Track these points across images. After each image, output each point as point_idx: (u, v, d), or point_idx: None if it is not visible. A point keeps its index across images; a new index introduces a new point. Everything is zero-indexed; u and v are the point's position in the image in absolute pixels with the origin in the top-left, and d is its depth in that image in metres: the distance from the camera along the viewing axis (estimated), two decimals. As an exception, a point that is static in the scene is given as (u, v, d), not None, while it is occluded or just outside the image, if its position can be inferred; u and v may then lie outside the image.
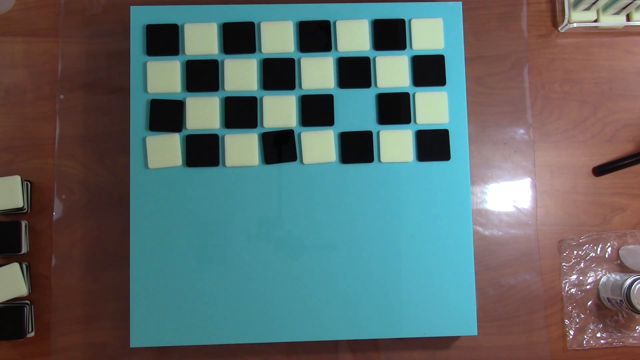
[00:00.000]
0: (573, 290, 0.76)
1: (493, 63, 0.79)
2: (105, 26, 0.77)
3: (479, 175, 0.77)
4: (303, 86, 0.73)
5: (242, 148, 0.72)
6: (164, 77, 0.73)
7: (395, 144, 0.73)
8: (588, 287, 0.76)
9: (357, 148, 0.73)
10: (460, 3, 0.75)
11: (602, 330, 0.75)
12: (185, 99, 0.73)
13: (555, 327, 0.75)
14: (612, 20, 0.79)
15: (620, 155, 0.79)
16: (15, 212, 0.73)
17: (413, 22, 0.75)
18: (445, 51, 0.75)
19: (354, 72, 0.74)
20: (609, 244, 0.77)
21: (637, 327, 0.76)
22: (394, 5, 0.75)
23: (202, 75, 0.73)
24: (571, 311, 0.76)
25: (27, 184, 0.74)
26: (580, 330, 0.75)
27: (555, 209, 0.78)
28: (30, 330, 0.72)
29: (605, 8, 0.78)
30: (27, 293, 0.72)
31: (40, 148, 0.76)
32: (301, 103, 0.73)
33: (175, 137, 0.72)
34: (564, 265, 0.76)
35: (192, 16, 0.74)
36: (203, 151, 0.72)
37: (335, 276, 0.71)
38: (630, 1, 0.75)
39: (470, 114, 0.76)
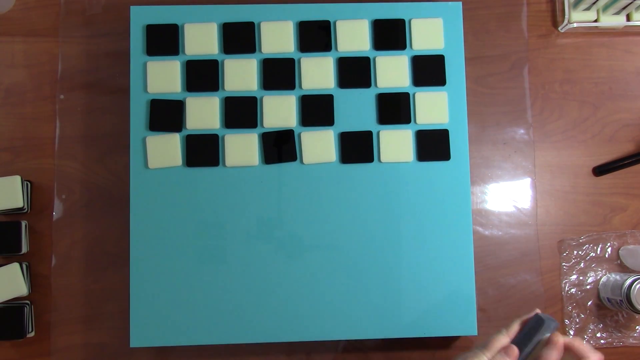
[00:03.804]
0: (573, 290, 0.76)
1: (493, 63, 0.79)
2: (105, 26, 0.77)
3: (479, 175, 0.77)
4: (303, 86, 0.73)
5: (242, 148, 0.72)
6: (164, 77, 0.73)
7: (395, 144, 0.73)
8: (588, 287, 0.76)
9: (357, 148, 0.73)
10: (460, 3, 0.75)
11: (602, 330, 0.75)
12: (185, 99, 0.73)
13: (555, 327, 0.76)
14: (612, 20, 0.79)
15: (620, 155, 0.79)
16: (15, 212, 0.73)
17: (413, 22, 0.75)
18: (445, 51, 0.75)
19: (354, 72, 0.74)
20: (609, 244, 0.77)
21: (637, 327, 0.76)
22: (394, 5, 0.75)
23: (202, 75, 0.73)
24: (571, 311, 0.76)
25: (27, 184, 0.74)
26: (580, 330, 0.75)
27: (555, 209, 0.78)
28: (30, 330, 0.72)
29: (605, 8, 0.78)
30: (27, 293, 0.72)
31: (40, 148, 0.76)
32: (301, 103, 0.73)
33: (175, 137, 0.72)
34: (564, 265, 0.76)
35: (192, 16, 0.74)
36: (203, 151, 0.72)
37: (335, 276, 0.71)
38: (630, 1, 0.75)
39: (470, 114, 0.76)
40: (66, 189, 0.75)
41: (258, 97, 0.73)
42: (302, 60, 0.74)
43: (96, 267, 0.74)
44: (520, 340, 0.58)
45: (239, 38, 0.74)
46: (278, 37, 0.74)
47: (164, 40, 0.73)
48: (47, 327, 0.73)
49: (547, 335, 0.58)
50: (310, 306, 0.71)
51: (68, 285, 0.74)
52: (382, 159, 0.73)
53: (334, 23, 0.74)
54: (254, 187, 0.72)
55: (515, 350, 0.56)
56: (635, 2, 0.75)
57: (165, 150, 0.72)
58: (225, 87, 0.73)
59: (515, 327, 0.59)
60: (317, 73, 0.74)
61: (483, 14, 0.79)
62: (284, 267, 0.71)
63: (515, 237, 0.77)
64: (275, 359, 0.74)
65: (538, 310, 0.59)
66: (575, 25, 0.78)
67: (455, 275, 0.71)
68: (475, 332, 0.71)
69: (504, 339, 0.58)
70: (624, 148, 0.79)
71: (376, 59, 0.74)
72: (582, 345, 0.57)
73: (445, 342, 0.74)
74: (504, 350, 0.57)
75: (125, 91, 0.75)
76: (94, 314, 0.74)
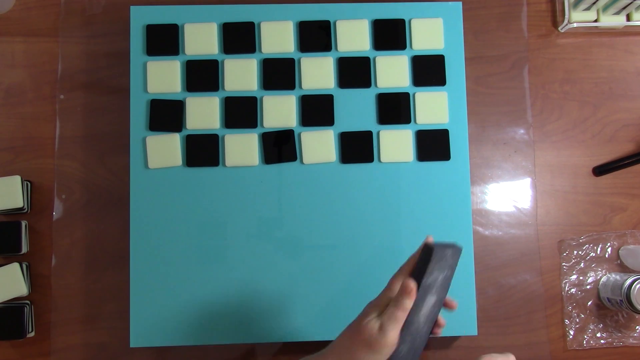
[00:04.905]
0: (573, 290, 0.76)
1: (493, 63, 0.79)
2: (105, 26, 0.77)
3: (479, 175, 0.77)
4: (303, 86, 0.73)
5: (242, 148, 0.72)
6: (164, 77, 0.73)
7: (396, 144, 0.73)
8: (588, 287, 0.76)
9: (357, 148, 0.73)
10: (460, 3, 0.75)
11: (602, 330, 0.75)
12: (185, 99, 0.73)
13: (555, 327, 0.75)
14: (612, 20, 0.79)
15: (620, 155, 0.78)
16: (15, 212, 0.73)
17: (413, 22, 0.75)
18: (445, 51, 0.75)
19: (354, 72, 0.74)
20: (609, 244, 0.77)
21: (637, 327, 0.76)
22: (394, 5, 0.75)
23: (202, 75, 0.73)
24: (571, 311, 0.76)
25: (27, 184, 0.74)
26: (580, 330, 0.75)
27: (555, 209, 0.78)
28: (30, 330, 0.72)
29: (605, 8, 0.78)
30: (27, 293, 0.72)
31: (40, 148, 0.76)
32: (301, 103, 0.73)
33: (175, 137, 0.72)
34: (564, 265, 0.76)
35: (192, 16, 0.74)
36: (203, 151, 0.72)
37: (335, 276, 0.71)
38: (630, 1, 0.75)
39: (470, 114, 0.76)
40: (66, 189, 0.75)
41: (258, 97, 0.73)
42: (302, 60, 0.74)
43: (96, 267, 0.74)
44: (417, 274, 0.55)
45: (239, 38, 0.74)
46: (278, 37, 0.74)
47: (164, 40, 0.73)
48: (47, 327, 0.73)
49: (447, 259, 0.56)
50: (310, 306, 0.71)
51: (68, 285, 0.74)
52: (382, 159, 0.73)
53: (334, 23, 0.74)
54: (254, 187, 0.72)
55: (410, 284, 0.53)
56: (635, 2, 0.75)
57: (165, 150, 0.72)
58: (225, 87, 0.73)
59: (409, 263, 0.57)
60: (317, 73, 0.74)
61: (483, 14, 0.79)
62: (284, 267, 0.71)
63: (515, 237, 0.77)
64: (275, 359, 0.74)
65: (429, 239, 0.56)
66: (575, 25, 0.78)
67: (455, 275, 0.71)
68: (475, 332, 0.71)
69: (401, 277, 0.56)
70: (624, 148, 0.79)
71: (376, 59, 0.74)
72: None
73: (446, 342, 0.74)
74: (401, 287, 0.54)
75: (125, 91, 0.75)
76: (94, 314, 0.73)
